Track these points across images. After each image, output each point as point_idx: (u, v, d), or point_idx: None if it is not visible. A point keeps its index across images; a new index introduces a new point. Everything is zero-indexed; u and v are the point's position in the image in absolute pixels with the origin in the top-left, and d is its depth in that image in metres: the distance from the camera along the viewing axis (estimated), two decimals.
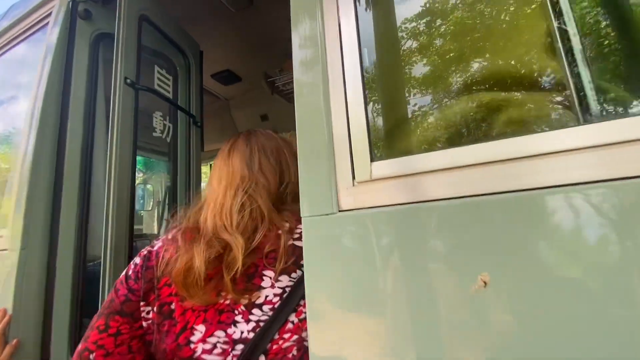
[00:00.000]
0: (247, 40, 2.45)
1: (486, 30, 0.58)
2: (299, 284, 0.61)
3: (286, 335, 0.59)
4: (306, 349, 0.57)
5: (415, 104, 0.63)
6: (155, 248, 0.68)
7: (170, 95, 1.37)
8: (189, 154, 1.46)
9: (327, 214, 0.59)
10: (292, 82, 2.68)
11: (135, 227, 1.20)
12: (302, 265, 0.59)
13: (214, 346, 0.59)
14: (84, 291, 1.18)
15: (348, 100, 0.61)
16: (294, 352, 0.58)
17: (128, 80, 1.10)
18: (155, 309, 0.63)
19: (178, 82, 1.48)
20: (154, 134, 1.28)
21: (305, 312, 0.58)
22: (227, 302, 0.62)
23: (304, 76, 0.67)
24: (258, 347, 0.58)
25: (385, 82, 0.67)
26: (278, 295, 0.62)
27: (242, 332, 0.60)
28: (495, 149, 0.48)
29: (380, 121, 0.63)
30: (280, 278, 0.63)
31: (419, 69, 0.63)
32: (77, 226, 1.09)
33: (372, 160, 0.58)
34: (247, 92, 3.17)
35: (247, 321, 0.60)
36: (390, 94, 0.66)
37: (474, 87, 0.56)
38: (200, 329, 0.60)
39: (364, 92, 0.61)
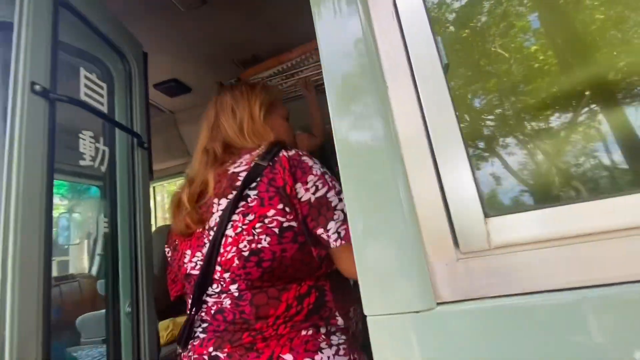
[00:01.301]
0: (198, 45, 2.12)
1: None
2: (233, 202, 0.72)
3: (228, 248, 0.70)
4: (246, 258, 0.68)
5: (561, 114, 0.41)
6: None
7: (104, 109, 1.02)
8: (134, 182, 1.10)
9: (417, 312, 0.34)
10: None
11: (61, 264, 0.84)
12: (237, 187, 0.72)
13: (196, 264, 0.76)
14: None
15: (428, 122, 0.38)
16: (236, 261, 0.69)
17: (37, 87, 0.75)
18: (170, 248, 0.86)
19: (114, 93, 1.12)
20: (82, 162, 0.91)
21: (240, 226, 0.69)
22: (200, 229, 0.77)
23: (344, 102, 0.42)
24: (211, 261, 0.72)
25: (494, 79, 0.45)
26: (219, 217, 0.73)
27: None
28: None
29: (496, 150, 0.41)
30: (220, 202, 0.75)
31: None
32: None
33: (486, 214, 0.35)
34: (198, 104, 2.79)
35: (209, 242, 0.73)
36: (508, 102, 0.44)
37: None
38: (188, 252, 0.78)
39: (453, 104, 0.38)
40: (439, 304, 0.34)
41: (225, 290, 0.71)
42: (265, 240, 0.67)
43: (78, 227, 2.23)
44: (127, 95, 1.16)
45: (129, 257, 1.04)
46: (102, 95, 1.02)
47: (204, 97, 2.69)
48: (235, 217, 0.70)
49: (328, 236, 0.65)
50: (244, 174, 0.73)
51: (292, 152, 0.73)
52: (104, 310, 2.55)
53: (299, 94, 2.50)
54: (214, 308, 0.72)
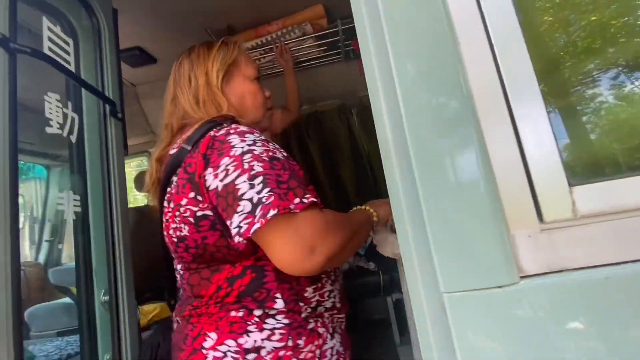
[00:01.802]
0: (167, 10, 1.92)
1: None
2: (161, 189, 0.72)
3: (165, 233, 0.72)
4: (176, 244, 0.68)
5: None
6: None
7: (71, 69, 0.87)
8: (107, 157, 0.97)
9: (500, 287, 0.31)
10: None
11: None
12: (167, 169, 0.71)
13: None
14: None
15: (505, 82, 0.35)
16: (171, 246, 0.71)
17: None
18: None
19: (80, 52, 0.97)
20: (48, 130, 0.77)
21: (168, 213, 0.69)
22: None
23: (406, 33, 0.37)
24: (162, 238, 0.74)
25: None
26: (158, 203, 0.74)
27: None
28: None
29: (579, 111, 0.38)
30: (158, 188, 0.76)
31: None
32: None
33: (571, 183, 0.33)
34: (164, 77, 2.54)
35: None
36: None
37: None
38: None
39: (531, 57, 0.35)
40: (522, 277, 0.32)
41: (177, 268, 0.76)
42: (185, 229, 0.65)
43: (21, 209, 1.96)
44: (97, 57, 1.01)
45: (104, 240, 0.92)
46: (68, 53, 0.87)
47: (169, 70, 2.47)
48: (165, 203, 0.70)
49: (232, 232, 0.59)
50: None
51: (221, 131, 0.66)
52: (57, 301, 2.31)
53: (277, 70, 2.39)
54: (178, 281, 0.77)
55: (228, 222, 0.60)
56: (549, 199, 0.32)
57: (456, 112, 0.34)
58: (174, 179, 0.68)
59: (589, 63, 0.39)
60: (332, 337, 0.70)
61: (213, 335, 0.64)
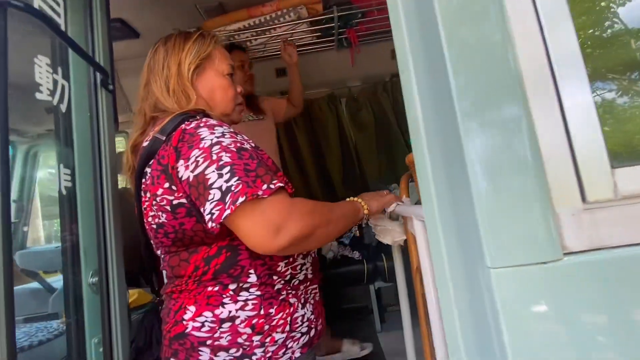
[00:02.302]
0: None
1: None
2: (137, 179, 0.75)
3: (144, 220, 0.76)
4: (155, 230, 0.73)
5: None
6: None
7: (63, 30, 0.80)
8: (98, 130, 0.91)
9: (544, 262, 0.32)
10: None
11: None
12: (141, 160, 0.74)
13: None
14: None
15: (553, 62, 0.35)
16: (150, 232, 0.76)
17: None
18: None
19: (69, 15, 0.89)
20: (38, 96, 0.71)
21: (145, 202, 0.73)
22: None
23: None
24: (142, 225, 0.78)
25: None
26: (135, 191, 0.78)
27: None
28: None
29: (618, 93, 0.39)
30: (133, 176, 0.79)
31: None
32: None
33: (612, 165, 0.34)
34: (146, 54, 2.41)
35: None
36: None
37: None
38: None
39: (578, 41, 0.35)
40: (565, 254, 0.32)
41: (158, 253, 0.80)
42: (162, 216, 0.70)
43: None
44: (87, 23, 0.93)
45: (93, 218, 0.87)
46: (58, 15, 0.80)
47: (153, 45, 2.34)
48: (141, 193, 0.74)
49: (205, 218, 0.63)
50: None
51: (192, 125, 0.70)
52: (23, 286, 2.18)
53: (268, 54, 2.33)
54: (161, 265, 0.81)
55: (202, 210, 0.64)
56: (592, 180, 0.33)
57: (505, 89, 0.34)
58: (148, 170, 0.72)
59: (636, 47, 0.40)
60: (304, 306, 0.76)
61: (192, 308, 0.70)
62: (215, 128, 0.68)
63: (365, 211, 0.83)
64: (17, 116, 0.87)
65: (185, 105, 0.78)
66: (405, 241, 0.95)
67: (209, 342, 0.68)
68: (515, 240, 0.33)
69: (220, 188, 0.61)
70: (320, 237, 0.69)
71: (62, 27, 0.82)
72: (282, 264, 0.74)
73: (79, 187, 0.86)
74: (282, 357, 0.71)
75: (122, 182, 2.67)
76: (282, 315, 0.71)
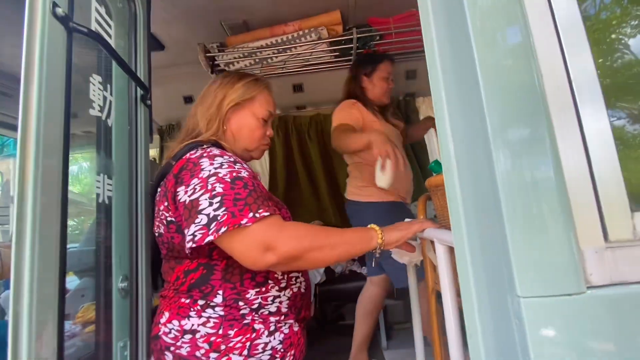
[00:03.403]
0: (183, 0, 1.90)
1: None
2: (152, 192, 0.90)
3: (154, 229, 0.87)
4: (156, 237, 0.86)
5: None
6: None
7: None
8: (136, 142, 0.97)
9: (569, 294, 0.36)
10: (236, 62, 2.21)
11: None
12: (156, 179, 0.88)
13: None
14: None
15: (575, 90, 0.39)
16: (157, 235, 0.86)
17: (58, 10, 0.61)
18: None
19: (115, 34, 0.96)
20: (91, 112, 0.77)
21: (155, 214, 0.86)
22: None
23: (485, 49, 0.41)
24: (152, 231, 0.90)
25: None
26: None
27: None
28: None
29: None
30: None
31: None
32: None
33: (632, 209, 0.38)
34: (170, 65, 2.51)
35: None
36: None
37: None
38: None
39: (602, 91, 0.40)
40: (588, 287, 0.36)
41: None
42: (161, 227, 0.83)
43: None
44: (132, 43, 1.00)
45: (127, 225, 0.92)
46: (110, 36, 0.87)
47: (178, 59, 2.43)
48: (154, 206, 0.88)
49: (187, 238, 0.71)
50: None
51: (196, 154, 0.80)
52: None
53: (287, 71, 2.41)
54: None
55: (185, 231, 0.72)
56: (614, 222, 0.37)
57: (535, 127, 0.39)
58: (159, 189, 0.85)
59: None
60: (271, 334, 0.78)
61: (166, 314, 0.79)
62: (216, 159, 0.78)
63: (379, 240, 0.79)
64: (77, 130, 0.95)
65: (207, 130, 0.91)
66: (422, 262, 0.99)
67: (172, 348, 0.75)
68: (544, 272, 0.36)
69: (208, 215, 0.70)
70: (314, 260, 0.73)
71: (113, 45, 0.89)
72: (252, 291, 0.79)
73: (116, 196, 0.91)
74: None
75: None
76: (242, 338, 0.75)
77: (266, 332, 0.77)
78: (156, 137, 2.86)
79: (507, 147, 0.39)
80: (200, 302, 0.76)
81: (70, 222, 0.67)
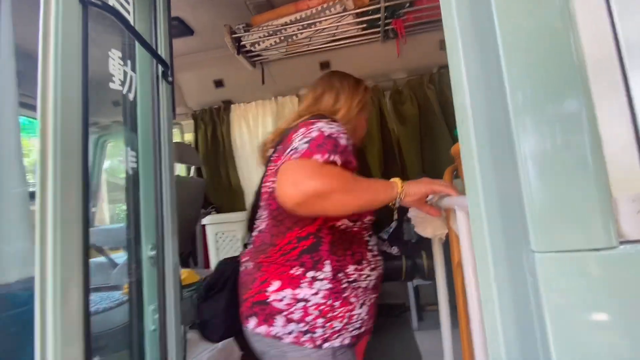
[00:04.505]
0: None
1: None
2: (273, 150, 0.99)
3: (264, 183, 0.96)
4: (270, 193, 0.91)
5: None
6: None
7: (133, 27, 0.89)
8: (158, 118, 1.00)
9: (596, 249, 0.31)
10: (261, 41, 2.26)
11: None
12: (276, 142, 1.00)
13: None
14: None
15: (621, 41, 0.33)
16: (266, 195, 0.94)
17: None
18: None
19: (135, 11, 0.98)
20: (112, 85, 0.80)
21: (272, 169, 0.93)
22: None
23: None
24: (258, 192, 1.00)
25: None
26: (267, 160, 1.02)
27: None
28: None
29: None
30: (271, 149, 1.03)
31: None
32: None
33: None
34: (200, 49, 2.57)
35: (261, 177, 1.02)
36: None
37: None
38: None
39: None
40: (622, 242, 0.31)
41: (261, 216, 0.96)
42: (275, 183, 0.83)
43: None
44: (152, 20, 1.02)
45: (153, 197, 0.96)
46: (128, 12, 0.89)
47: (206, 43, 2.47)
48: (270, 164, 0.95)
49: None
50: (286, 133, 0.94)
51: (316, 121, 0.88)
52: (92, 260, 2.46)
53: (313, 48, 2.36)
54: (256, 229, 0.98)
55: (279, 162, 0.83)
56: None
57: (566, 81, 0.33)
58: (279, 147, 0.93)
59: None
60: (360, 307, 0.89)
61: (276, 283, 0.86)
62: (330, 123, 0.86)
63: (399, 189, 0.80)
64: (95, 106, 0.98)
65: (342, 117, 1.03)
66: (447, 235, 0.93)
67: (284, 313, 0.84)
68: (564, 223, 0.31)
69: (295, 148, 0.78)
70: (337, 202, 0.75)
71: (131, 23, 0.91)
72: (351, 267, 0.89)
73: (142, 169, 0.95)
74: (334, 340, 0.85)
75: (177, 171, 2.89)
76: (343, 309, 0.86)
77: (359, 305, 0.89)
78: (190, 122, 2.97)
79: (529, 109, 0.34)
80: (309, 273, 0.85)
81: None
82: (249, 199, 2.86)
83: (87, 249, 0.67)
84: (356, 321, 0.88)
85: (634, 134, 0.31)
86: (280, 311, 0.85)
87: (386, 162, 2.68)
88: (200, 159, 2.80)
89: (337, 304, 0.85)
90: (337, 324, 0.85)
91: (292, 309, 0.84)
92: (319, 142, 0.78)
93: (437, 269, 1.08)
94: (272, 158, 0.95)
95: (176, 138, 3.19)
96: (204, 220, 2.52)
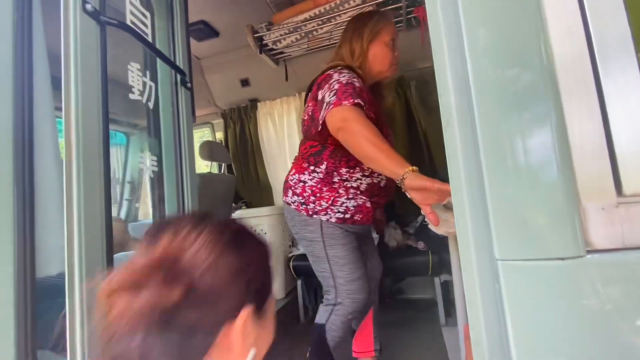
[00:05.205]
0: None
1: None
2: (309, 89, 1.31)
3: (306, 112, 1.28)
4: (304, 120, 1.28)
5: None
6: None
7: (149, 41, 0.95)
8: (178, 123, 1.06)
9: (562, 259, 0.30)
10: (282, 39, 2.38)
11: None
12: (311, 84, 1.31)
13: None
14: (33, 323, 0.81)
15: (594, 40, 0.31)
16: (304, 122, 1.28)
17: (88, 6, 0.69)
18: None
19: (155, 24, 1.05)
20: (131, 96, 0.87)
21: (309, 105, 1.25)
22: None
23: None
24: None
25: None
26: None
27: None
28: None
29: None
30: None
31: None
32: (16, 239, 0.70)
33: None
34: (226, 50, 2.66)
35: None
36: None
37: None
38: None
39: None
40: (589, 251, 0.29)
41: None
42: (305, 116, 1.25)
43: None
44: (169, 30, 1.08)
45: (175, 197, 1.03)
46: (146, 26, 0.95)
47: (231, 43, 2.55)
48: (307, 103, 1.26)
49: (320, 120, 1.10)
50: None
51: (333, 73, 1.15)
52: (132, 252, 2.69)
53: (334, 42, 2.35)
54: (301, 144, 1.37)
55: (318, 115, 1.11)
56: (632, 171, 0.29)
57: (534, 79, 0.32)
58: (310, 92, 1.25)
59: None
60: (348, 199, 1.19)
61: (293, 170, 1.27)
62: (343, 74, 1.12)
63: (404, 173, 0.87)
64: (122, 111, 1.06)
65: (349, 60, 1.24)
66: None
67: (292, 189, 1.24)
68: (529, 231, 0.31)
69: (328, 102, 1.04)
70: (353, 140, 0.98)
71: (150, 37, 0.97)
72: (344, 169, 1.19)
73: (165, 170, 1.02)
74: (321, 215, 1.18)
75: (207, 168, 3.04)
76: (329, 194, 1.18)
77: (345, 196, 1.18)
78: (220, 121, 3.09)
79: (491, 100, 0.33)
80: (311, 167, 1.21)
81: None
82: (277, 194, 2.94)
83: (111, 241, 0.74)
84: (340, 206, 1.18)
85: (605, 140, 0.29)
86: (290, 186, 1.24)
87: (412, 155, 2.62)
88: (230, 156, 2.92)
89: (325, 189, 1.19)
90: (323, 203, 1.18)
91: (295, 187, 1.22)
92: (342, 90, 1.04)
93: (453, 265, 1.06)
94: (308, 98, 1.27)
95: (208, 137, 3.34)
96: (234, 215, 2.63)
